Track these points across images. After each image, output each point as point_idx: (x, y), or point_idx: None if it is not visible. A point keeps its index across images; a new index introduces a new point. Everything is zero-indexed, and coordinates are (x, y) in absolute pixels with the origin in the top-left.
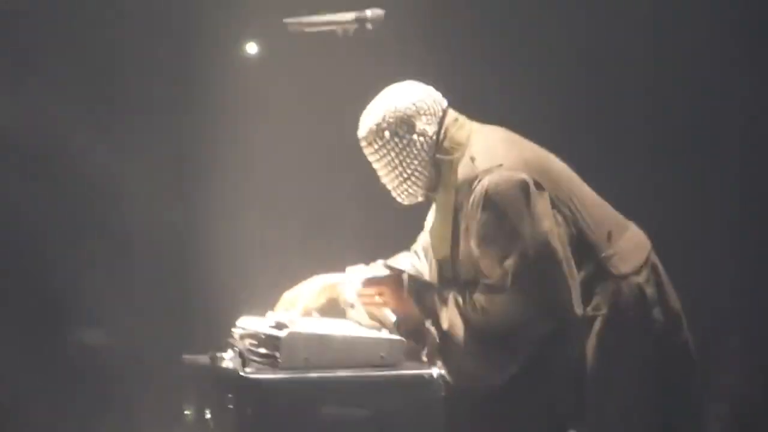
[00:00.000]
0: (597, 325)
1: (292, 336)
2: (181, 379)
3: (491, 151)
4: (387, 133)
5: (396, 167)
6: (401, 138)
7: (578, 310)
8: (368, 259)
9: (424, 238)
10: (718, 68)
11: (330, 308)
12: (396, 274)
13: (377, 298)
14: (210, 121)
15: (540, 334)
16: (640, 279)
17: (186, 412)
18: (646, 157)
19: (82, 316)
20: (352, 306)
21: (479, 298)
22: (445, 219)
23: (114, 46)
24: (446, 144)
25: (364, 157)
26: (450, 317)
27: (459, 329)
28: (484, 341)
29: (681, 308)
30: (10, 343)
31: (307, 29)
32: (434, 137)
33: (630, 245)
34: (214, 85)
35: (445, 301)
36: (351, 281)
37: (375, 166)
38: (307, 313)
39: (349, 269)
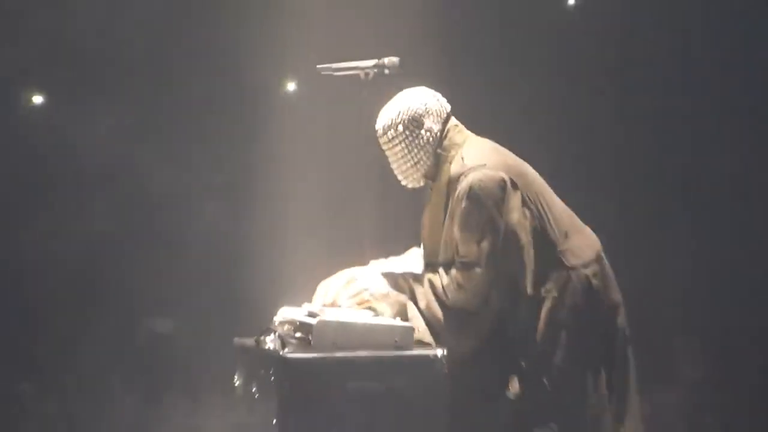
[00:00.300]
0: (547, 304)
1: (322, 323)
2: (232, 358)
3: (479, 154)
4: (400, 127)
5: (405, 155)
6: (411, 131)
7: (529, 290)
8: (388, 254)
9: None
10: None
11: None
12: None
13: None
14: (257, 144)
15: (501, 308)
16: (588, 272)
17: (236, 385)
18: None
19: (154, 308)
20: (375, 298)
21: (456, 274)
22: (438, 204)
23: (176, 84)
24: (446, 142)
25: (384, 163)
26: (426, 297)
27: (435, 307)
28: (457, 315)
29: (621, 300)
30: (97, 328)
31: (336, 73)
32: (438, 134)
33: (582, 244)
34: (261, 115)
35: (422, 283)
36: (373, 274)
37: (387, 153)
38: (335, 303)
39: (372, 263)
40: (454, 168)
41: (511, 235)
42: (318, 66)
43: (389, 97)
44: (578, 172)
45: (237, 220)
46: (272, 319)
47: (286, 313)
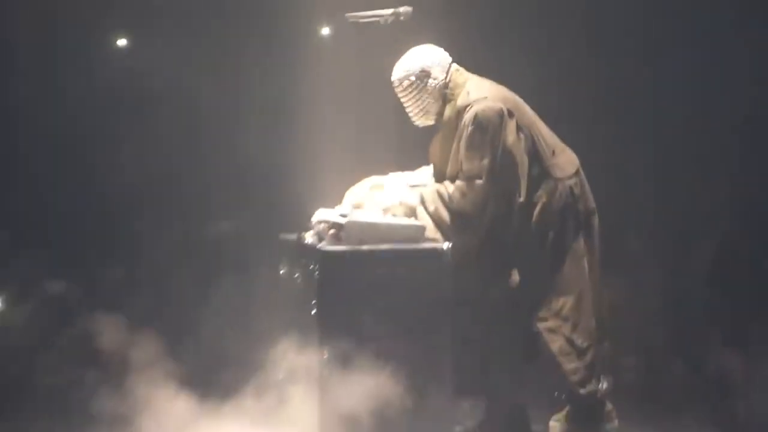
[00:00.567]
0: (537, 209)
1: (351, 222)
2: (279, 250)
3: (481, 89)
4: (413, 77)
5: (417, 100)
6: (421, 80)
7: (523, 197)
8: (404, 169)
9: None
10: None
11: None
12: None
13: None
14: (293, 83)
15: (497, 213)
16: (571, 183)
17: (281, 272)
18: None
19: (218, 212)
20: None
21: (460, 185)
22: (447, 134)
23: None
24: (451, 84)
25: (396, 100)
26: (435, 202)
27: (442, 210)
28: (460, 217)
29: (595, 206)
30: (171, 228)
31: (360, 20)
32: (443, 81)
33: (565, 161)
34: (296, 60)
35: (431, 192)
36: (393, 182)
37: (402, 99)
38: (359, 206)
39: (391, 174)
40: (461, 101)
41: (508, 154)
42: (346, 14)
43: (404, 41)
44: (562, 109)
45: (283, 141)
46: (310, 219)
47: (322, 214)
